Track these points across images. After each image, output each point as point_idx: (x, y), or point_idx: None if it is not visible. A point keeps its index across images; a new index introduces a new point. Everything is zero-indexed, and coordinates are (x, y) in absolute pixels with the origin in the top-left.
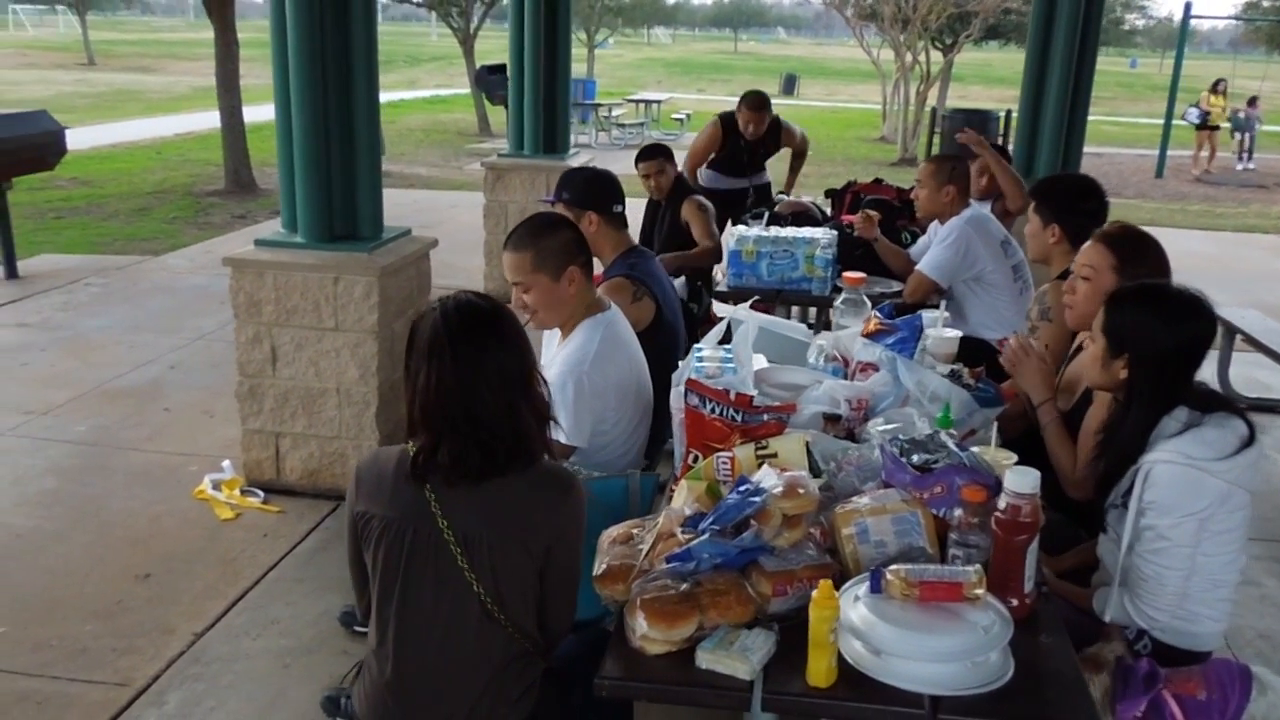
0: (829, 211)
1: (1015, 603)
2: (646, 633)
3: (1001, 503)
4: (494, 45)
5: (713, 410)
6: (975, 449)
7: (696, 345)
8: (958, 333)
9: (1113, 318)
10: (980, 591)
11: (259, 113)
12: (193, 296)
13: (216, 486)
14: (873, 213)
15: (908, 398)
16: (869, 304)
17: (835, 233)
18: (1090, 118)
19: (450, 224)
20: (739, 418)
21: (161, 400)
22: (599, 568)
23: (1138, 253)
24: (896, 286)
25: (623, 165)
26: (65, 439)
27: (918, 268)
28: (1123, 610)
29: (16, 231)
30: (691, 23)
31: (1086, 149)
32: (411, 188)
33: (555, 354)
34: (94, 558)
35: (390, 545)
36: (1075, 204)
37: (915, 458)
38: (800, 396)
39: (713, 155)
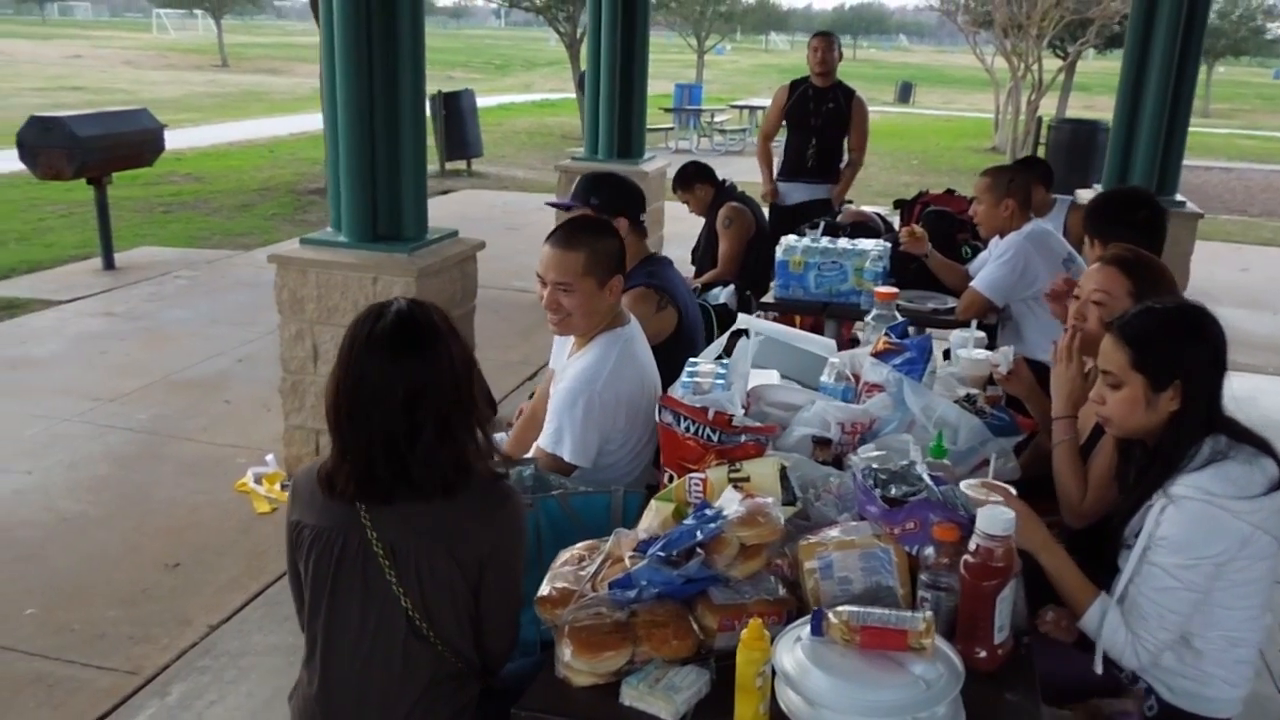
0: (897, 223)
1: (983, 654)
2: (570, 662)
3: (971, 544)
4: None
5: (687, 429)
6: (967, 482)
7: (692, 359)
8: (988, 354)
9: (1147, 350)
10: (927, 642)
11: (314, 121)
12: (272, 291)
13: (258, 480)
14: (919, 230)
15: (913, 423)
16: (900, 320)
17: (888, 245)
18: (1225, 130)
19: (536, 226)
20: (715, 438)
21: (224, 392)
22: (543, 589)
23: (1153, 277)
24: (951, 303)
25: (723, 171)
26: (126, 426)
27: (972, 284)
28: (1116, 645)
29: (125, 224)
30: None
31: (1216, 163)
32: (505, 189)
33: (568, 364)
34: (129, 545)
35: (320, 556)
36: (1124, 216)
37: (891, 489)
38: (793, 418)
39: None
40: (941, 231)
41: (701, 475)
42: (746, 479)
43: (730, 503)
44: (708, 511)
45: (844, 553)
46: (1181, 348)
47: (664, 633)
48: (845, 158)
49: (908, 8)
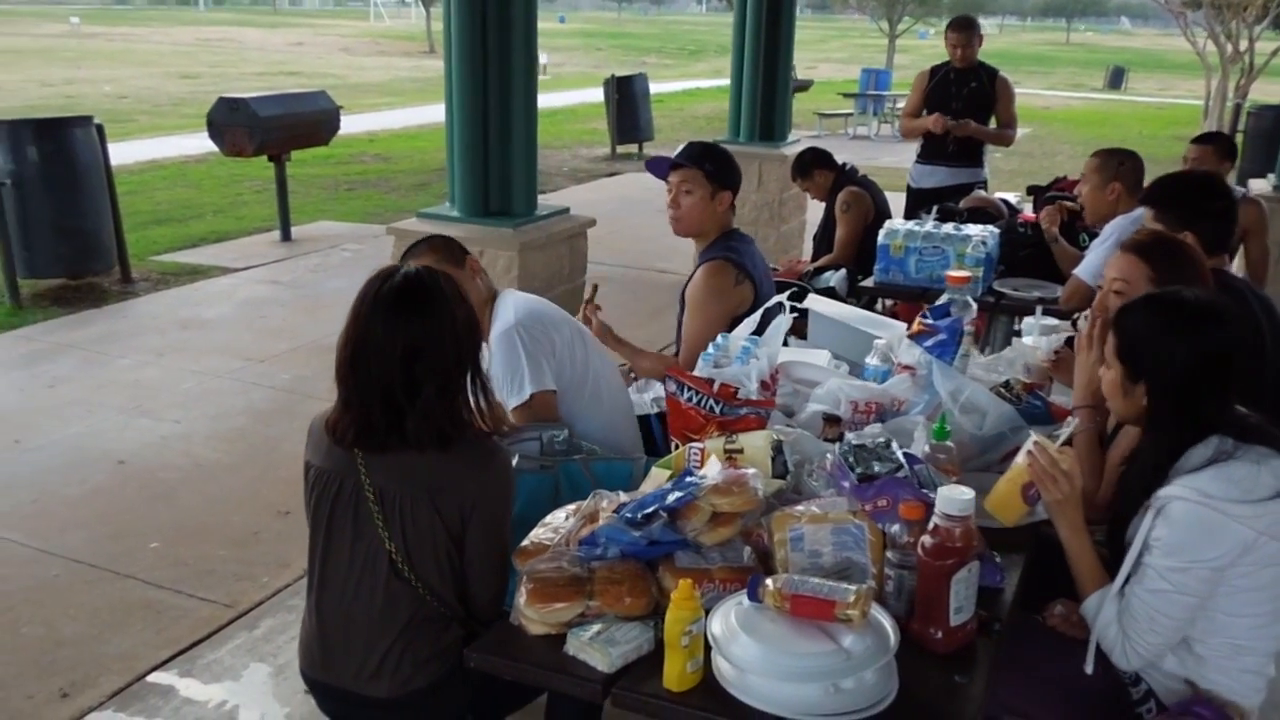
0: (1029, 209)
1: (938, 634)
2: (524, 610)
3: (931, 523)
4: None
5: (689, 399)
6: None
7: (723, 333)
8: (1046, 340)
9: (1123, 338)
10: (854, 613)
11: (559, 98)
12: None
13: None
14: (1069, 203)
15: (939, 406)
16: (974, 306)
17: (996, 232)
18: None
19: None
20: (718, 409)
21: None
22: (524, 541)
23: (1176, 263)
24: (1059, 291)
25: (898, 157)
26: (269, 385)
27: (1074, 272)
28: (1108, 639)
29: (311, 200)
30: (1022, 11)
31: None
32: None
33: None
34: (250, 492)
35: (320, 495)
36: (1204, 205)
37: (863, 466)
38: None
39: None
40: (1066, 219)
41: (701, 445)
42: (740, 450)
43: (712, 471)
44: (688, 478)
45: (816, 526)
46: (1157, 343)
47: (619, 590)
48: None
49: None
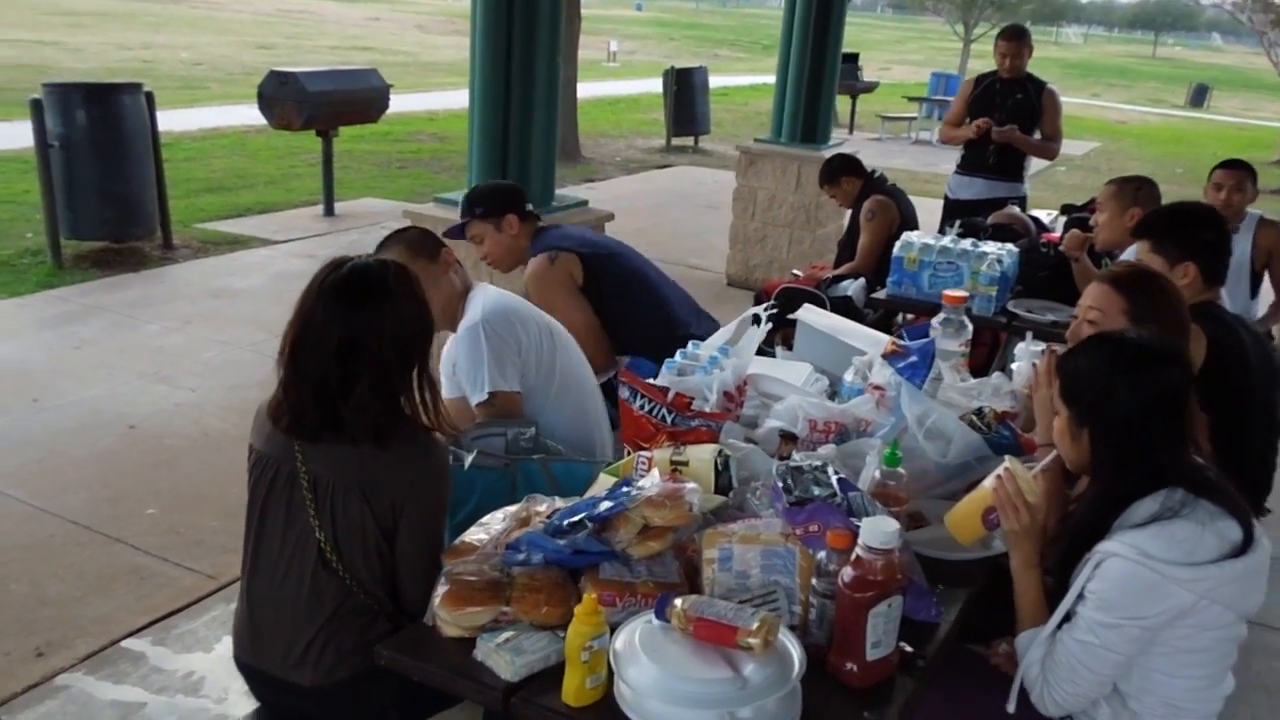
0: (1060, 229)
1: (853, 668)
2: (437, 611)
3: (853, 553)
4: (854, 34)
5: (642, 407)
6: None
7: (695, 340)
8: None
9: (1065, 381)
10: (754, 641)
11: (623, 86)
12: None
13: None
14: (1086, 233)
15: (905, 430)
16: (969, 327)
17: (1016, 250)
18: None
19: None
20: (669, 419)
21: None
22: (455, 540)
23: (1153, 298)
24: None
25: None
26: None
27: None
28: (1029, 678)
29: (361, 176)
30: (1109, 22)
31: None
32: (725, 169)
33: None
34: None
35: (258, 479)
36: (1202, 236)
37: (797, 490)
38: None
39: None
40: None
41: (649, 454)
42: (686, 463)
43: (650, 482)
44: (623, 488)
45: (746, 546)
46: (1103, 388)
47: (536, 597)
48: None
49: (1223, 4)
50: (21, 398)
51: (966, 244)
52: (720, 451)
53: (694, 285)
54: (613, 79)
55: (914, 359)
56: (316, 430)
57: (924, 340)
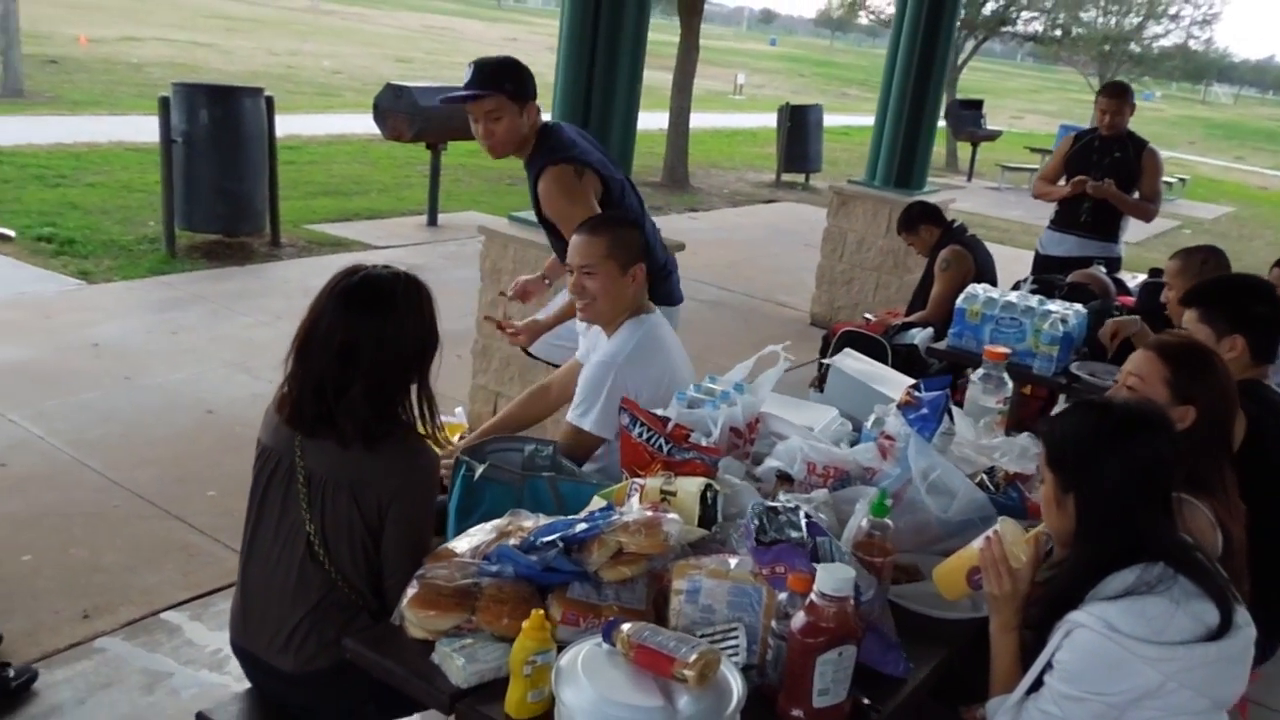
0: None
1: (799, 714)
2: (404, 612)
3: (808, 599)
4: (975, 79)
5: (640, 435)
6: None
7: (712, 375)
8: None
9: (1051, 446)
10: (689, 674)
11: (743, 120)
12: None
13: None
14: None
15: (909, 482)
16: (1009, 384)
17: (1084, 311)
18: None
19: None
20: (665, 449)
21: (460, 347)
22: (440, 546)
23: (1198, 372)
24: None
25: None
26: None
27: None
28: None
29: (470, 190)
30: (1262, 84)
31: None
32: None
33: (595, 347)
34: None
35: (260, 470)
36: (1253, 308)
37: (784, 531)
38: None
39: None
40: (1154, 307)
41: (642, 482)
42: (674, 493)
43: (633, 510)
44: (604, 512)
45: (715, 581)
46: (1089, 454)
47: (500, 609)
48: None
49: None
50: (115, 375)
51: (1033, 301)
52: (708, 485)
53: (778, 322)
54: (736, 111)
55: (924, 411)
56: (312, 425)
57: (935, 393)
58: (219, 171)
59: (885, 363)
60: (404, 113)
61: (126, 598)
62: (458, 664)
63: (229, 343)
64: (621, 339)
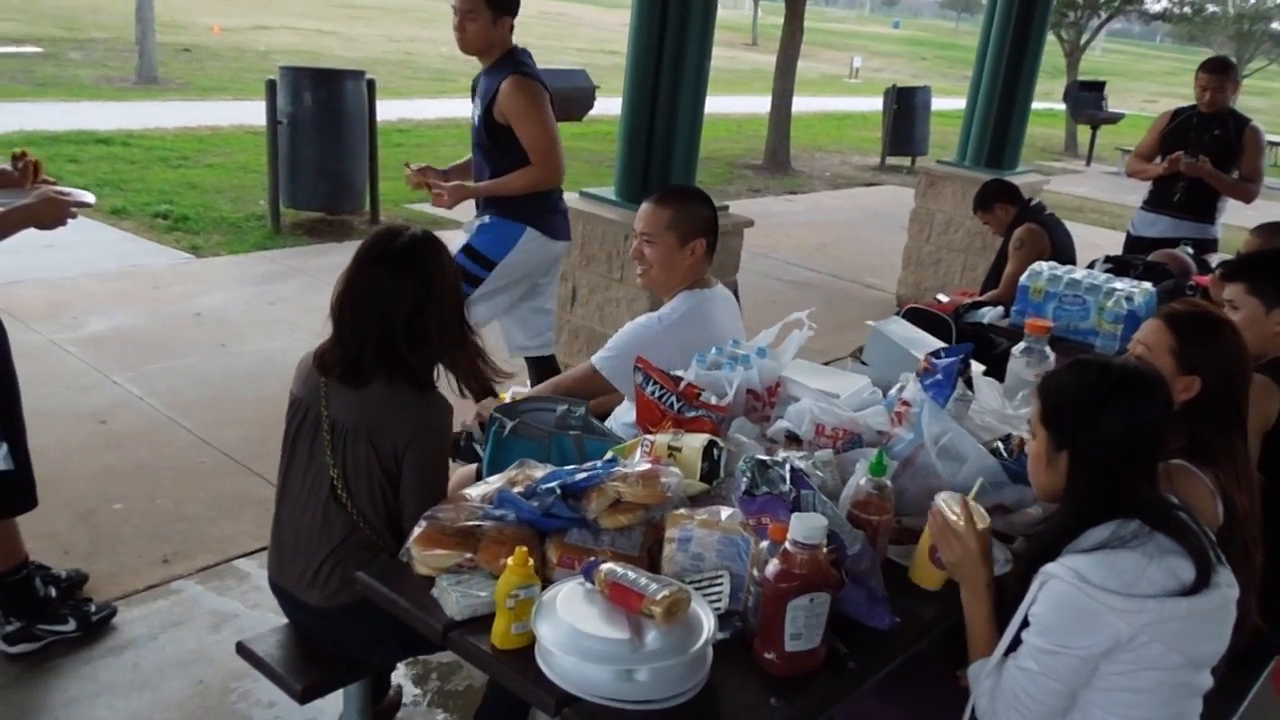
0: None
1: (773, 657)
2: (410, 548)
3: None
4: (1109, 61)
5: (652, 393)
6: (943, 496)
7: (736, 340)
8: None
9: (1048, 403)
10: (657, 610)
11: (856, 103)
12: None
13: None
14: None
15: (921, 448)
16: (1050, 358)
17: (1153, 290)
18: None
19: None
20: (676, 406)
21: None
22: (458, 490)
23: (1207, 339)
24: None
25: None
26: None
27: None
28: (979, 708)
29: (571, 172)
30: None
31: None
32: None
33: None
34: None
35: (291, 419)
36: None
37: (776, 484)
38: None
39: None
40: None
41: (653, 438)
42: (680, 449)
43: (636, 461)
44: (609, 464)
45: (706, 530)
46: (1085, 412)
47: (499, 550)
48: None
49: None
50: (213, 342)
51: (1100, 279)
52: (712, 442)
53: (865, 303)
54: (849, 95)
55: (939, 377)
56: (344, 374)
57: (950, 359)
58: (321, 152)
59: (950, 339)
60: None
61: (204, 545)
62: (453, 597)
63: (320, 314)
64: (671, 306)
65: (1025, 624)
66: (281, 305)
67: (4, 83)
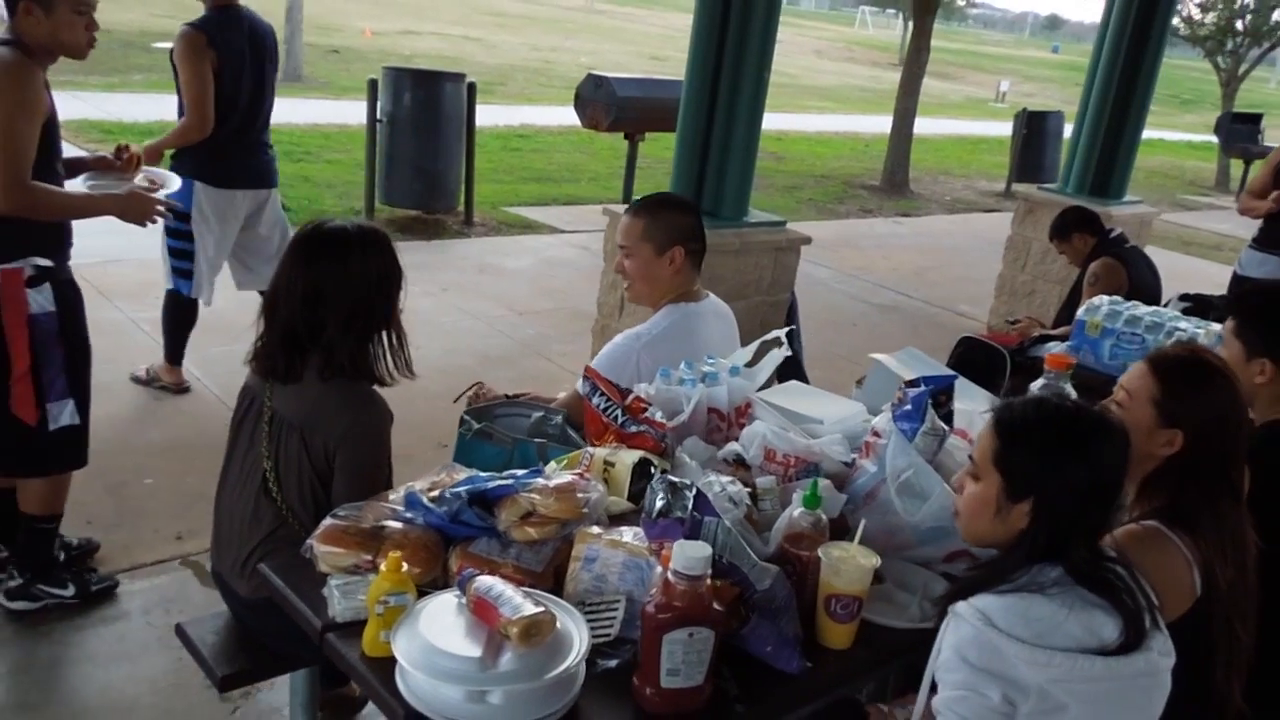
0: None
1: (650, 692)
2: (310, 544)
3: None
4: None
5: (598, 404)
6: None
7: (710, 355)
8: None
9: (1016, 447)
10: (514, 631)
11: (995, 127)
12: None
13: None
14: None
15: (882, 483)
16: (1072, 393)
17: (1217, 331)
18: None
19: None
20: (620, 420)
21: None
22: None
23: (1193, 389)
24: None
25: None
26: (511, 335)
27: None
28: None
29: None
30: None
31: None
32: None
33: None
34: (432, 419)
35: (239, 405)
36: None
37: (660, 506)
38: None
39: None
40: None
41: (592, 451)
42: (614, 465)
43: (558, 473)
44: (531, 474)
45: (611, 551)
46: (1054, 460)
47: (399, 554)
48: None
49: None
50: None
51: (1165, 316)
52: (643, 459)
53: (952, 331)
54: (991, 119)
55: (908, 408)
56: (284, 374)
57: (920, 390)
58: (417, 151)
59: (1003, 374)
60: (602, 102)
61: None
62: (336, 598)
63: None
64: (653, 321)
65: None
66: None
67: (157, 76)
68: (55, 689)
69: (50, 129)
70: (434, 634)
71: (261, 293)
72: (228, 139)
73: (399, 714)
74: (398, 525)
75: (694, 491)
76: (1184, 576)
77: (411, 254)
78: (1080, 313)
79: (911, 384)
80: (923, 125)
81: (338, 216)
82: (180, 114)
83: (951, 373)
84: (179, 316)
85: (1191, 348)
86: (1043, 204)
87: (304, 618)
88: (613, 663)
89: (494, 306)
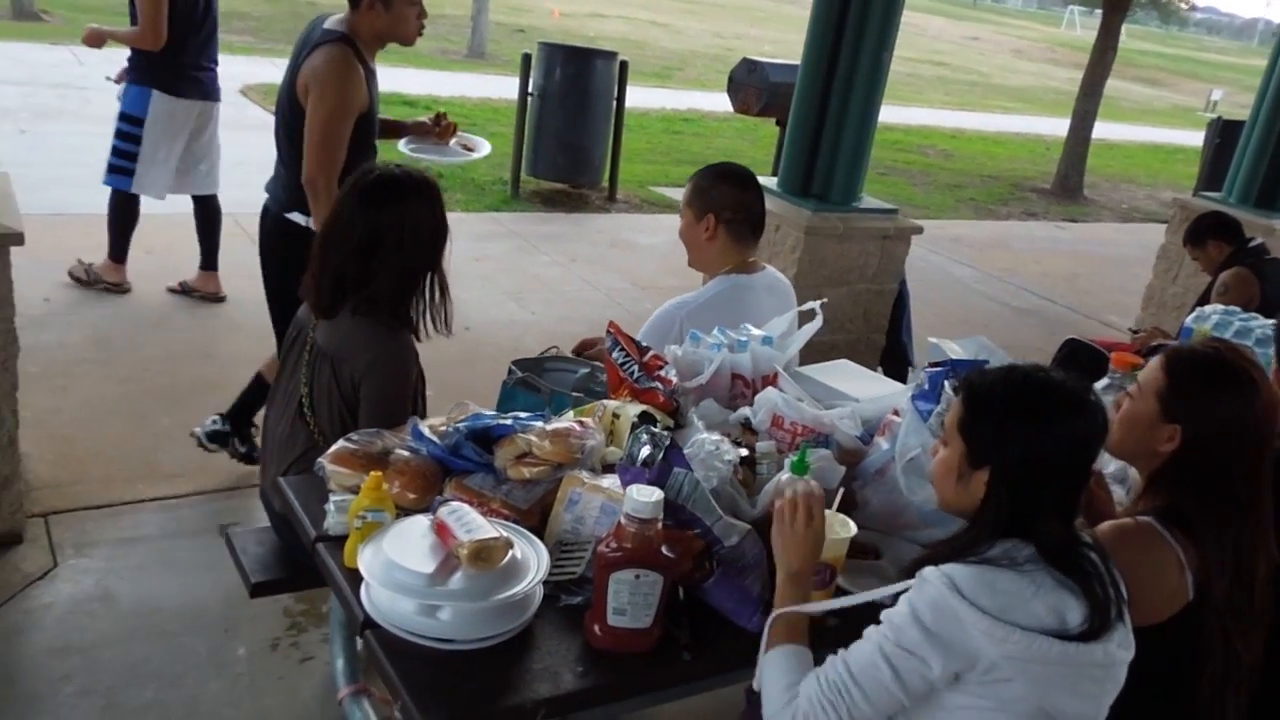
0: None
1: (596, 629)
2: (321, 463)
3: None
4: None
5: (617, 359)
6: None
7: (746, 325)
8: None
9: (974, 414)
10: (464, 552)
11: (1180, 136)
12: None
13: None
14: None
15: (891, 463)
16: None
17: None
18: None
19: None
20: (635, 375)
21: None
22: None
23: (1201, 389)
24: None
25: None
26: (629, 308)
27: None
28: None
29: None
30: None
31: None
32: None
33: None
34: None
35: (289, 335)
36: None
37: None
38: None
39: None
40: None
41: (605, 403)
42: (619, 417)
43: (563, 422)
44: (534, 416)
45: (592, 495)
46: (1012, 427)
47: (380, 473)
48: None
49: None
50: None
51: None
52: (644, 413)
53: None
54: (1195, 128)
55: (925, 387)
56: (329, 310)
57: (937, 369)
58: (563, 125)
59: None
60: (754, 86)
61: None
62: (331, 512)
63: (516, 275)
64: (701, 290)
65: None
66: (485, 263)
67: None
68: (137, 589)
69: (366, 117)
70: (396, 550)
71: (194, 197)
72: (183, 53)
73: (357, 620)
74: (404, 454)
75: (668, 442)
76: (1173, 577)
77: (546, 225)
78: (1188, 319)
79: (935, 365)
80: (1115, 130)
81: (390, 164)
82: (133, 22)
83: (984, 359)
84: (124, 213)
85: (1220, 345)
86: (1197, 209)
87: (303, 527)
88: (576, 599)
89: (618, 280)
